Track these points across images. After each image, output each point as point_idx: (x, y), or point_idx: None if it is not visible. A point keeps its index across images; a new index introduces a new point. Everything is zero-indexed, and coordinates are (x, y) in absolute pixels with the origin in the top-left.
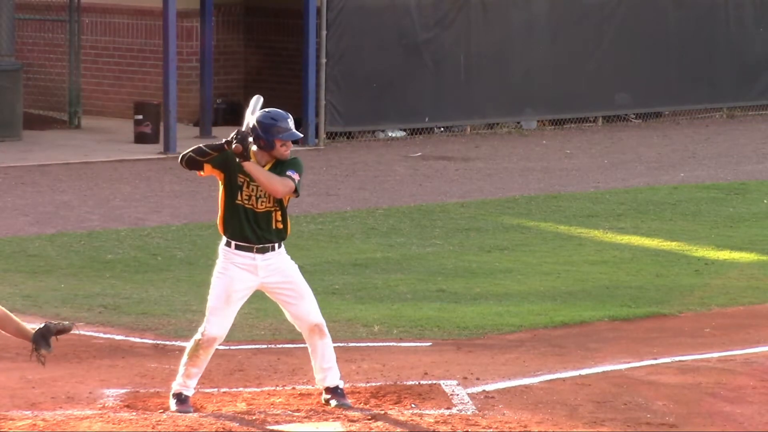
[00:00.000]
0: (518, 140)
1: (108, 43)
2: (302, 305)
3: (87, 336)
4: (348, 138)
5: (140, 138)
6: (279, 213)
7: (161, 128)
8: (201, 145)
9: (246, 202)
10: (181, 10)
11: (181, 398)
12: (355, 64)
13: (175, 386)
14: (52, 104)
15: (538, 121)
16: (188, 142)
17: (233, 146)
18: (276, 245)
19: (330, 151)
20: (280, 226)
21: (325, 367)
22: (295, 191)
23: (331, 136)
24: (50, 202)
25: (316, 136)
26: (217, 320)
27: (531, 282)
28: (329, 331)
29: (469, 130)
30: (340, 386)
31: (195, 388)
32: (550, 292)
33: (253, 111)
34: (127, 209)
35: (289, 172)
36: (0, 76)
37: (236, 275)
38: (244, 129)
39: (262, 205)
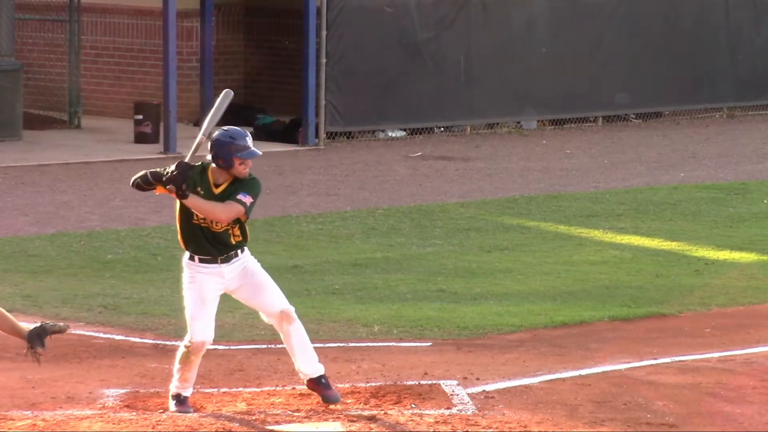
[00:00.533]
0: (518, 140)
1: (108, 43)
2: (264, 296)
3: (87, 336)
4: (348, 138)
5: (140, 138)
6: (237, 229)
7: (161, 128)
8: (148, 172)
9: (202, 222)
10: (181, 10)
11: (180, 399)
12: (355, 64)
13: (173, 388)
14: (52, 104)
15: (538, 121)
16: (188, 142)
17: (167, 187)
18: (239, 252)
19: (330, 151)
20: (239, 239)
21: (303, 355)
22: (245, 214)
23: (331, 136)
24: (50, 202)
25: (316, 136)
26: (200, 324)
27: (531, 282)
28: (329, 331)
29: (469, 130)
30: (323, 374)
31: (193, 388)
32: (550, 292)
33: (219, 109)
34: (127, 209)
35: (239, 195)
36: (0, 76)
37: (204, 280)
38: (188, 159)
39: (217, 226)
